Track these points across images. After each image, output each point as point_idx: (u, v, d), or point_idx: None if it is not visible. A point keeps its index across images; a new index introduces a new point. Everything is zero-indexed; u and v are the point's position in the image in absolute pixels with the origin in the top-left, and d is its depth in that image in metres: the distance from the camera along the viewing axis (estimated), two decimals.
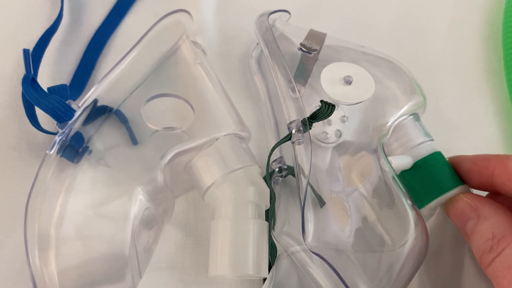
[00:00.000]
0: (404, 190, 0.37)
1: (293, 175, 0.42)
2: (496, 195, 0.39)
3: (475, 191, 0.39)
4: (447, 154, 0.45)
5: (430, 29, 0.55)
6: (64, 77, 0.48)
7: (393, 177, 0.37)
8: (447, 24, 0.55)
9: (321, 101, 0.38)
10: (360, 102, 0.40)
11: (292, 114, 0.38)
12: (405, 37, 0.54)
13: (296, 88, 0.39)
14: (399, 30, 0.54)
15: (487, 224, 0.34)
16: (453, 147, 0.47)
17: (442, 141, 0.46)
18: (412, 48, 0.53)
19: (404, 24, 0.55)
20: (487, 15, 0.56)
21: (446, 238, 0.40)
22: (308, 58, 0.44)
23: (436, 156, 0.40)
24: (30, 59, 0.39)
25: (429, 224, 0.40)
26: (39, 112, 0.41)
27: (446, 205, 0.38)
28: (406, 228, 0.36)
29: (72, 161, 0.36)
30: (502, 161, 0.36)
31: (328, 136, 0.42)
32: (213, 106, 0.40)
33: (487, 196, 0.39)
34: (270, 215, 0.38)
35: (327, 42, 0.45)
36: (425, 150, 0.40)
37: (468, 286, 0.38)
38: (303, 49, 0.44)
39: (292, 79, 0.40)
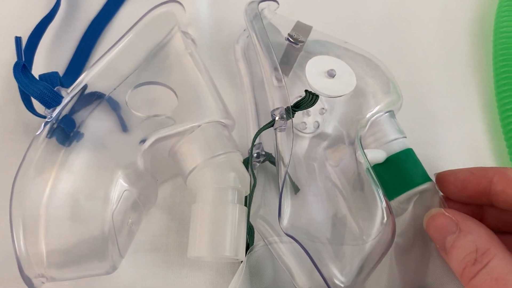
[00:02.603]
0: (377, 182, 0.38)
1: (270, 162, 0.43)
2: (482, 210, 0.40)
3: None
4: (432, 147, 0.47)
5: (418, 25, 0.56)
6: (60, 65, 0.50)
7: (368, 169, 0.39)
8: (436, 20, 0.56)
9: (306, 90, 0.39)
10: (341, 96, 0.41)
11: (276, 101, 0.39)
12: (394, 32, 0.55)
13: (282, 77, 0.40)
14: (388, 26, 0.55)
15: (469, 238, 0.34)
16: (438, 140, 0.48)
17: (428, 135, 0.48)
18: (400, 43, 0.54)
19: (392, 19, 0.56)
20: (476, 11, 0.57)
21: (416, 235, 0.41)
22: (293, 48, 0.45)
23: (408, 152, 0.42)
24: (22, 46, 0.40)
25: (401, 221, 0.42)
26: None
27: (425, 219, 0.38)
28: (377, 221, 0.37)
29: (64, 144, 0.38)
30: (501, 169, 0.38)
31: (306, 126, 0.43)
32: (199, 94, 0.42)
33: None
34: (249, 201, 0.39)
35: (312, 35, 0.46)
36: (397, 146, 0.42)
37: (434, 278, 0.39)
38: (290, 39, 0.45)
39: (279, 67, 0.41)
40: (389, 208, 0.37)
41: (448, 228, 0.36)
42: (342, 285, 0.35)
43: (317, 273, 0.35)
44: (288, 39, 0.45)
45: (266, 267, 0.40)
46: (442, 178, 0.40)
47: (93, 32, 0.51)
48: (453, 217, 0.36)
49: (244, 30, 0.50)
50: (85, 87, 0.40)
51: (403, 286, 0.39)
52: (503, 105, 0.48)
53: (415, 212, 0.41)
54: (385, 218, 0.37)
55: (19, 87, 0.44)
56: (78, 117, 0.40)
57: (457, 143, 0.48)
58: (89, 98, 0.40)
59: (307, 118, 0.44)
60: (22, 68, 0.39)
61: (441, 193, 0.41)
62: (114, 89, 0.41)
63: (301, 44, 0.45)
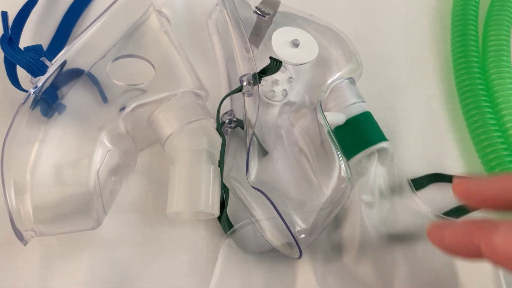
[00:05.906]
0: (337, 143, 0.42)
1: (241, 127, 0.46)
2: None
3: None
4: (390, 112, 0.52)
5: (382, 2, 0.60)
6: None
7: (328, 132, 0.42)
8: None
9: (270, 57, 0.42)
10: (305, 63, 0.45)
11: (244, 69, 0.43)
12: (357, 7, 0.59)
13: (250, 48, 0.44)
14: (352, 3, 0.59)
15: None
16: (396, 105, 0.53)
17: (387, 101, 0.53)
18: (364, 18, 0.58)
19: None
20: None
21: (379, 191, 0.45)
22: (262, 21, 0.48)
23: (366, 115, 0.46)
24: (8, 20, 0.43)
25: (365, 180, 0.44)
26: (20, 74, 0.46)
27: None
28: (334, 177, 0.41)
29: (46, 115, 0.41)
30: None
31: (275, 94, 0.46)
32: (174, 67, 0.45)
33: None
34: (221, 159, 0.43)
35: (280, 8, 0.49)
36: (356, 109, 0.45)
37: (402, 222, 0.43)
38: (258, 12, 0.48)
39: (247, 40, 0.44)
40: (346, 165, 0.41)
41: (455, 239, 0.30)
42: (303, 229, 0.38)
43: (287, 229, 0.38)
44: (255, 11, 0.48)
45: (248, 244, 0.43)
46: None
47: (73, 13, 0.54)
48: (437, 228, 0.31)
49: (217, 5, 0.53)
50: (64, 62, 0.42)
51: (374, 232, 0.43)
52: (459, 70, 0.52)
53: (376, 172, 0.45)
54: (342, 174, 0.40)
55: (5, 63, 0.47)
56: (60, 91, 0.42)
57: (414, 107, 0.53)
58: (70, 74, 0.43)
59: (275, 87, 0.47)
60: (8, 40, 0.41)
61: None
62: (93, 65, 0.44)
63: (268, 16, 0.48)
